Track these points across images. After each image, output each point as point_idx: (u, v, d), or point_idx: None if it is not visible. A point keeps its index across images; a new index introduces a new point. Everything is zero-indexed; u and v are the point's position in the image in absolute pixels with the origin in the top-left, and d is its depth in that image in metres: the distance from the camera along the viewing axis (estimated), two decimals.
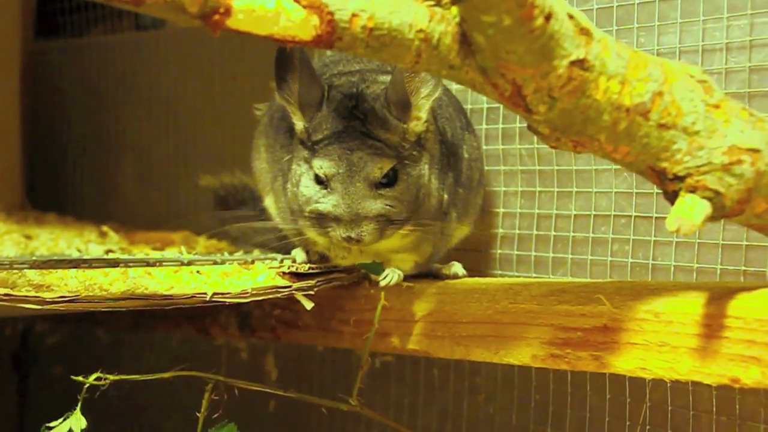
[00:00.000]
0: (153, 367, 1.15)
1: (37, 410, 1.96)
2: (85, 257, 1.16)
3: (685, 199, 0.81)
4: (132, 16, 2.02)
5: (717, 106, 0.82)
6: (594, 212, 1.22)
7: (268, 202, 1.26)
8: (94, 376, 1.04)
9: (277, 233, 1.25)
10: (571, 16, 0.79)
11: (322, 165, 1.07)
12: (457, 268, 1.20)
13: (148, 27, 2.00)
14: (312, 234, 1.12)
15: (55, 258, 1.09)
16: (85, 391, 1.05)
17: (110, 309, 1.04)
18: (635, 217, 1.18)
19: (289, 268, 1.15)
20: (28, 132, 2.02)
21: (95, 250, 1.44)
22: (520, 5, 0.75)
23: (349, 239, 1.05)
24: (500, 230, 1.32)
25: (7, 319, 1.91)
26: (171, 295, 1.06)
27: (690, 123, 0.81)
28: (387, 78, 1.10)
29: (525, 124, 1.27)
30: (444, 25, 0.80)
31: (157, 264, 1.14)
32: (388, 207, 1.05)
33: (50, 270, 1.09)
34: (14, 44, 2.00)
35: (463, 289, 1.11)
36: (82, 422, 1.03)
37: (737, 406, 1.07)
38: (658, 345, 0.89)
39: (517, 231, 1.30)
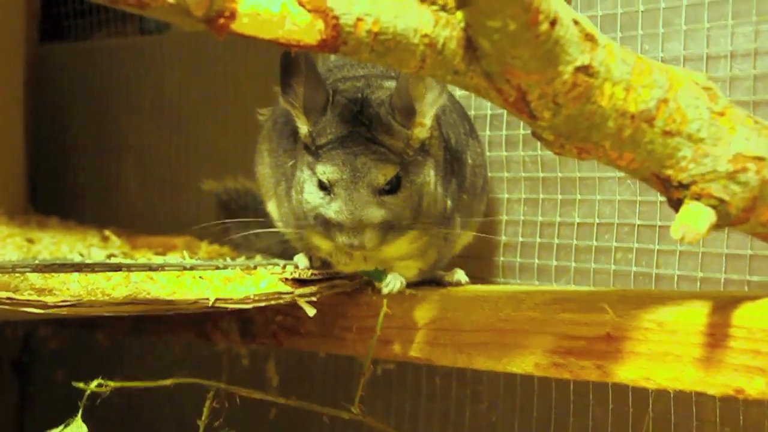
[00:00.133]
0: (154, 373, 1.15)
1: (37, 416, 1.96)
2: (88, 261, 1.16)
3: (689, 207, 0.81)
4: (136, 20, 2.02)
5: (722, 114, 0.82)
6: (597, 220, 1.22)
7: (271, 207, 1.26)
8: (95, 382, 1.03)
9: (279, 238, 1.25)
10: (576, 22, 0.79)
11: (326, 170, 1.06)
12: (459, 275, 1.19)
13: (152, 31, 2.00)
14: (315, 239, 1.12)
15: (58, 262, 1.08)
16: (86, 398, 1.04)
17: (112, 314, 1.04)
18: (639, 225, 1.18)
19: (291, 274, 1.15)
20: (31, 135, 2.03)
21: (97, 255, 1.44)
22: (525, 10, 0.75)
23: (351, 246, 1.05)
24: (503, 238, 1.32)
25: (8, 323, 1.91)
26: (173, 300, 1.06)
27: (695, 130, 0.81)
28: (392, 83, 1.10)
29: (528, 131, 1.27)
30: (449, 30, 0.80)
31: (160, 268, 1.13)
32: (391, 213, 1.05)
33: (52, 274, 1.08)
34: (19, 48, 2.00)
35: (465, 296, 1.11)
36: (83, 429, 1.03)
37: (741, 417, 1.06)
38: (662, 355, 0.89)
39: (520, 239, 1.30)
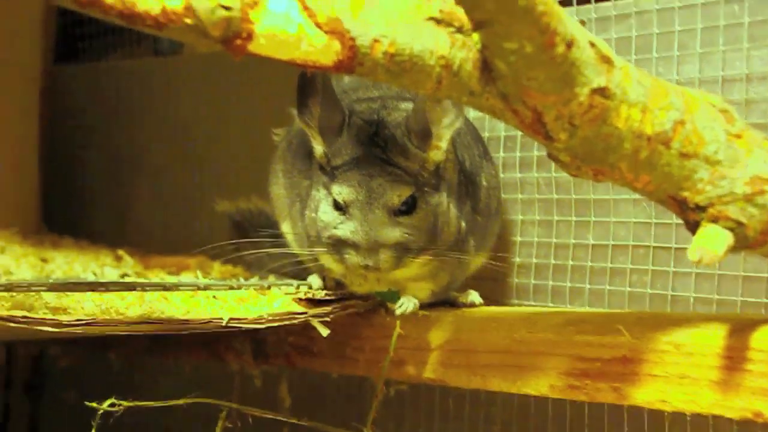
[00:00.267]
0: (166, 394, 1.14)
1: None
2: (102, 281, 1.16)
3: (707, 230, 0.80)
4: (150, 41, 2.03)
5: (739, 136, 0.82)
6: (612, 242, 1.22)
7: (285, 228, 1.26)
8: (108, 402, 1.03)
9: (293, 259, 1.25)
10: (592, 44, 0.79)
11: (341, 191, 1.06)
12: (473, 296, 1.19)
13: (166, 52, 2.01)
14: (329, 261, 1.12)
15: (72, 281, 1.09)
16: (98, 418, 1.04)
17: (126, 333, 1.04)
18: (654, 247, 1.17)
19: (305, 294, 1.15)
20: (45, 155, 2.04)
21: (111, 274, 1.44)
22: (542, 32, 0.75)
23: (366, 267, 1.05)
24: (517, 259, 1.31)
25: (21, 343, 1.91)
26: (187, 320, 1.06)
27: (712, 152, 0.81)
28: (408, 105, 1.10)
29: (542, 153, 1.28)
30: (465, 51, 0.80)
31: (174, 288, 1.13)
32: (406, 235, 1.05)
33: (67, 293, 1.08)
34: (34, 68, 2.02)
35: (480, 317, 1.11)
36: None
37: None
38: (679, 377, 0.88)
39: (534, 260, 1.29)
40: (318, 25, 0.78)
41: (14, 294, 1.03)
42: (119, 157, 2.00)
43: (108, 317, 1.02)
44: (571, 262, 1.26)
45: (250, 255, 1.48)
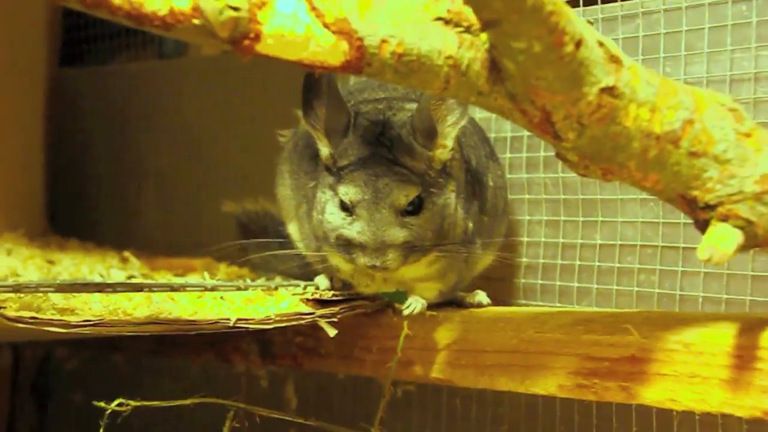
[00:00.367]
0: (172, 395, 1.14)
1: None
2: (110, 282, 1.16)
3: (716, 228, 0.80)
4: (155, 44, 2.04)
5: (748, 135, 0.82)
6: (620, 242, 1.22)
7: (292, 229, 1.26)
8: (116, 402, 1.03)
9: (300, 260, 1.25)
10: (601, 44, 0.79)
11: (348, 191, 1.06)
12: (481, 296, 1.19)
13: (171, 55, 2.01)
14: (337, 261, 1.12)
15: (80, 282, 1.09)
16: (106, 418, 1.04)
17: (134, 333, 1.04)
18: (662, 247, 1.17)
19: (312, 294, 1.15)
20: (51, 158, 2.04)
21: (117, 276, 1.44)
22: (550, 32, 0.75)
23: (373, 267, 1.05)
24: (524, 259, 1.31)
25: (27, 344, 1.92)
26: (195, 321, 1.06)
27: (721, 151, 0.81)
28: (413, 106, 1.10)
29: (549, 153, 1.28)
30: (473, 51, 0.80)
31: (181, 289, 1.13)
32: (413, 235, 1.05)
33: (74, 294, 1.09)
34: (39, 72, 2.02)
35: (487, 317, 1.10)
36: None
37: None
38: (689, 376, 0.88)
39: (542, 260, 1.29)
40: (326, 26, 0.78)
41: (22, 295, 1.03)
42: (125, 160, 2.01)
43: (115, 318, 1.02)
44: (578, 262, 1.25)
45: (257, 257, 1.48)
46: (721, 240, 0.79)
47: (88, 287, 1.08)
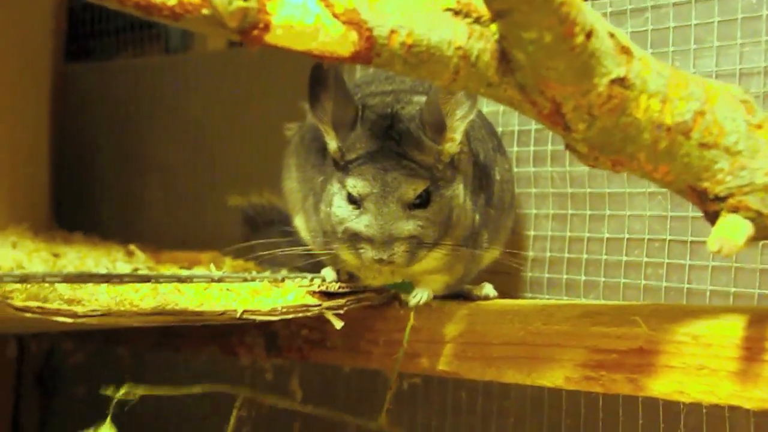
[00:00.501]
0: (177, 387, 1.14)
1: (60, 430, 1.96)
2: (116, 273, 1.16)
3: (726, 220, 0.80)
4: (161, 39, 2.04)
5: (760, 126, 0.81)
6: (627, 235, 1.21)
7: (298, 222, 1.26)
8: (123, 389, 1.03)
9: (306, 255, 1.25)
10: (611, 35, 0.79)
11: (356, 184, 1.06)
12: (488, 289, 1.19)
13: (177, 50, 2.01)
14: (344, 254, 1.12)
15: (87, 272, 1.09)
16: (112, 407, 1.04)
17: (141, 324, 1.04)
18: (670, 240, 1.17)
19: (319, 286, 1.15)
20: (56, 153, 2.04)
21: (123, 269, 1.44)
22: (561, 22, 0.75)
23: (381, 261, 1.05)
24: (531, 253, 1.31)
25: (32, 337, 1.92)
26: (202, 312, 1.06)
27: (732, 143, 0.81)
28: (421, 98, 1.10)
29: (557, 147, 1.28)
30: (483, 42, 0.80)
31: (188, 280, 1.13)
32: (420, 228, 1.05)
33: (81, 285, 1.09)
34: (45, 67, 2.02)
35: (494, 310, 1.10)
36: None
37: None
38: (697, 368, 0.88)
39: (548, 254, 1.29)
40: (335, 16, 0.78)
41: (29, 286, 1.03)
42: (130, 155, 2.01)
43: (122, 309, 1.02)
44: (585, 256, 1.25)
45: (265, 254, 1.48)
46: (731, 231, 0.79)
47: (95, 278, 1.08)
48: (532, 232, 1.31)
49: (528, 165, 1.32)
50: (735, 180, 0.80)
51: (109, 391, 1.03)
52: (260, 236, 1.48)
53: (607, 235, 1.24)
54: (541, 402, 1.28)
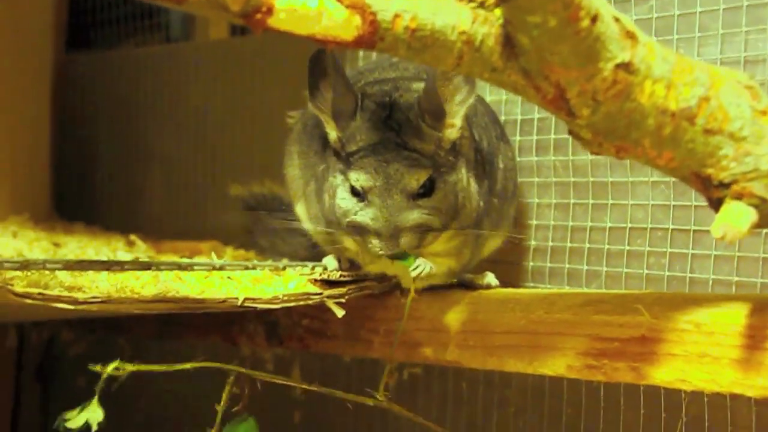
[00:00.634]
0: (177, 379, 1.14)
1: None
2: (117, 260, 1.16)
3: (730, 206, 0.80)
4: (163, 29, 2.03)
5: (765, 113, 0.81)
6: (630, 225, 1.21)
7: (300, 209, 1.25)
8: (112, 365, 1.03)
9: (307, 242, 1.25)
10: (617, 19, 0.78)
11: (359, 178, 1.06)
12: (490, 278, 1.19)
13: (179, 39, 2.01)
14: (344, 241, 1.11)
15: (87, 259, 1.09)
16: (102, 383, 1.03)
17: (142, 312, 1.04)
18: (672, 229, 1.17)
19: (320, 275, 1.15)
20: (56, 143, 2.04)
21: (123, 258, 1.44)
22: (566, 6, 0.74)
23: (388, 256, 1.05)
24: (533, 242, 1.31)
25: (33, 327, 1.92)
26: (203, 299, 1.05)
27: (737, 129, 0.80)
28: (420, 85, 1.09)
29: (559, 136, 1.28)
30: (487, 26, 0.80)
31: (189, 267, 1.13)
32: (426, 217, 1.04)
33: (82, 273, 1.08)
34: (46, 57, 2.02)
35: (496, 299, 1.10)
36: (99, 414, 1.02)
37: None
38: (699, 356, 0.88)
39: (550, 243, 1.29)
40: (339, 0, 0.77)
41: (29, 273, 1.03)
42: (131, 144, 2.00)
43: (123, 296, 1.02)
44: (587, 245, 1.25)
45: (264, 240, 1.48)
46: (735, 218, 0.79)
47: (95, 265, 1.08)
48: (534, 222, 1.31)
49: (530, 154, 1.31)
50: (739, 166, 0.80)
51: (98, 368, 1.02)
52: (261, 225, 1.48)
53: (609, 225, 1.23)
54: (542, 391, 1.28)
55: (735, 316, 0.86)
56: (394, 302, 1.16)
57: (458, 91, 1.05)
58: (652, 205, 1.19)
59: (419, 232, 1.04)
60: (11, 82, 1.91)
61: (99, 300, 0.99)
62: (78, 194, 2.07)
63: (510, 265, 1.31)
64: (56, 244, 1.56)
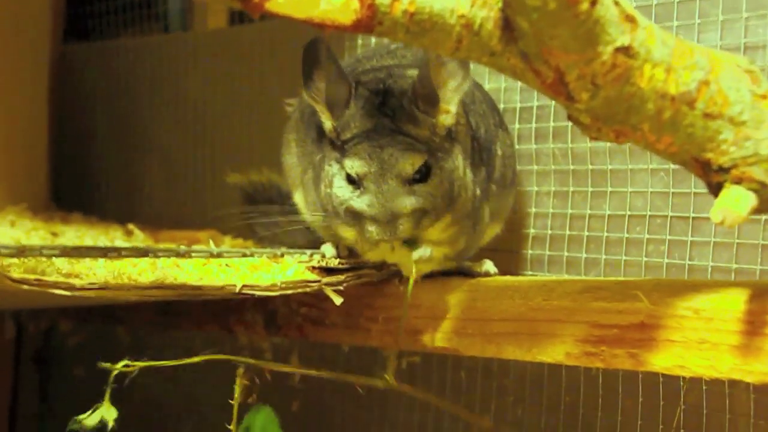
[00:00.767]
0: (176, 370, 1.13)
1: (58, 411, 1.96)
2: (115, 246, 1.15)
3: (730, 191, 0.79)
4: (161, 19, 2.03)
5: (765, 97, 0.81)
6: (629, 212, 1.21)
7: (297, 198, 1.25)
8: (122, 363, 1.02)
9: (305, 232, 1.24)
10: (616, 3, 0.78)
11: (353, 164, 1.05)
12: (488, 265, 1.18)
13: (177, 29, 2.00)
14: (344, 232, 1.11)
15: (85, 246, 1.08)
16: (111, 381, 1.03)
17: (139, 298, 1.03)
18: (671, 217, 1.17)
19: (318, 262, 1.14)
20: (54, 133, 2.03)
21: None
22: None
23: (387, 241, 1.04)
24: (532, 230, 1.31)
25: (31, 317, 1.91)
26: (200, 286, 1.05)
27: (737, 113, 0.80)
28: (415, 72, 1.09)
29: (559, 123, 1.27)
30: (486, 10, 0.79)
31: (187, 255, 1.13)
32: (422, 202, 1.04)
33: (79, 259, 1.08)
34: (43, 47, 2.01)
35: (495, 286, 1.10)
36: (113, 412, 1.02)
37: None
38: (698, 342, 0.87)
39: (549, 231, 1.29)
40: None
41: (26, 260, 1.02)
42: (129, 135, 2.00)
43: (120, 282, 1.02)
44: (586, 233, 1.25)
45: (262, 229, 1.48)
46: (735, 203, 0.78)
47: (93, 251, 1.08)
48: (533, 210, 1.31)
49: (529, 142, 1.31)
50: (739, 151, 0.80)
51: (108, 365, 1.02)
52: (259, 214, 1.48)
53: (608, 212, 1.23)
54: (540, 380, 1.28)
55: (734, 302, 0.86)
56: (393, 290, 1.15)
57: (452, 76, 1.05)
58: (651, 192, 1.19)
59: (416, 218, 1.04)
60: (9, 72, 1.91)
61: (96, 286, 0.99)
62: (76, 184, 2.06)
63: (509, 253, 1.31)
64: (54, 234, 1.56)
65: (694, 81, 0.80)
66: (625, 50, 0.78)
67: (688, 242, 1.15)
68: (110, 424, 1.02)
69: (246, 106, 1.77)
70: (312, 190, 1.17)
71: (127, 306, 1.48)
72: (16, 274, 0.96)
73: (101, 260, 1.09)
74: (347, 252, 1.16)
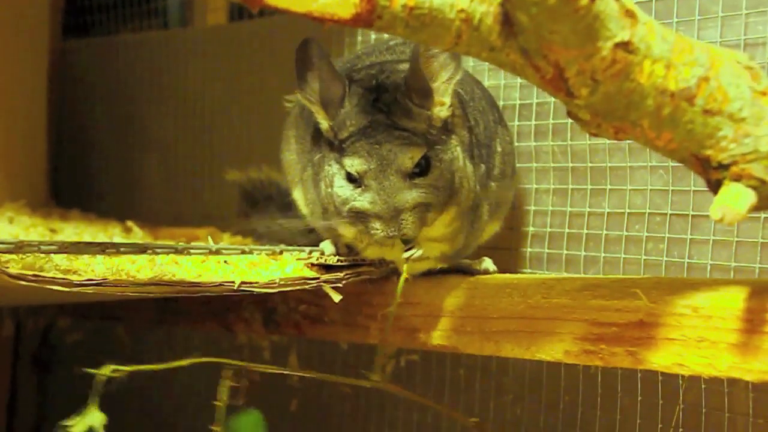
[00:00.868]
0: (175, 369, 1.13)
1: (57, 409, 1.95)
2: (113, 242, 1.15)
3: (729, 188, 0.79)
4: (160, 15, 2.02)
5: (764, 93, 0.80)
6: (628, 210, 1.21)
7: (297, 195, 1.25)
8: (109, 368, 1.01)
9: (304, 229, 1.24)
10: None
11: (353, 163, 1.05)
12: (487, 263, 1.18)
13: (176, 25, 2.00)
14: (348, 231, 1.10)
15: (83, 242, 1.08)
16: (101, 387, 1.02)
17: (137, 294, 1.03)
18: (671, 215, 1.16)
19: (317, 259, 1.14)
20: (54, 129, 2.03)
21: None
22: None
23: (390, 237, 1.04)
24: (531, 228, 1.30)
25: (29, 315, 1.91)
26: (199, 283, 1.05)
27: (736, 109, 0.80)
28: (407, 66, 1.08)
29: (558, 121, 1.27)
30: (486, 5, 0.79)
31: (185, 251, 1.12)
32: (424, 195, 1.04)
33: (77, 256, 1.07)
34: (42, 43, 2.01)
35: (494, 284, 1.09)
36: (100, 417, 1.01)
37: None
38: (697, 340, 0.87)
39: (549, 229, 1.29)
40: None
41: (25, 256, 1.02)
42: (128, 131, 1.99)
43: (118, 278, 1.01)
44: (586, 231, 1.25)
45: (262, 227, 1.47)
46: (734, 199, 0.78)
47: (91, 247, 1.07)
48: (532, 207, 1.31)
49: (529, 139, 1.31)
50: (739, 147, 0.79)
51: (97, 371, 1.01)
52: (259, 211, 1.47)
53: (608, 210, 1.23)
54: (539, 379, 1.28)
55: (733, 300, 0.86)
56: (391, 288, 1.14)
57: (444, 68, 1.04)
58: (651, 190, 1.19)
59: (419, 212, 1.03)
60: (8, 68, 1.90)
61: (94, 282, 0.98)
62: (75, 181, 2.06)
63: (508, 251, 1.31)
64: (53, 230, 1.55)
65: (694, 77, 0.79)
66: (625, 46, 0.78)
67: (688, 240, 1.15)
68: (100, 431, 1.01)
69: (245, 103, 1.77)
70: (311, 187, 1.17)
71: (125, 303, 1.48)
72: (14, 269, 0.96)
73: (99, 257, 1.08)
74: (346, 249, 1.15)
